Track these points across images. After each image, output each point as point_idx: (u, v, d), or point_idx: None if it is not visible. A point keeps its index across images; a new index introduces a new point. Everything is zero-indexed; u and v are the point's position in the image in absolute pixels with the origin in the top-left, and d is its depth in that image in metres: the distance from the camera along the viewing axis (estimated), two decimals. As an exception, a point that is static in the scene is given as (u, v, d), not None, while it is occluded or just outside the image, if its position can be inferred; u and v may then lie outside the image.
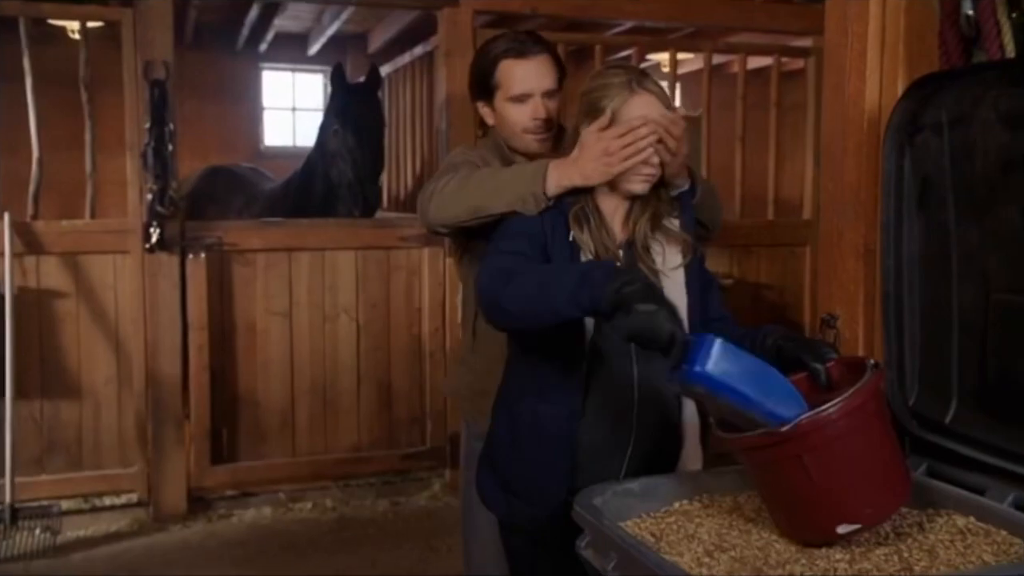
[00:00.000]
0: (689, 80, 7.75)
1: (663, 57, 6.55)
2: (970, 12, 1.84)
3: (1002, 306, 1.87)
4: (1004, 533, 1.72)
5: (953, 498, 1.84)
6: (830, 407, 1.64)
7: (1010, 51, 1.80)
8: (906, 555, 1.68)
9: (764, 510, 1.90)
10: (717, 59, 6.56)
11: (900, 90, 2.04)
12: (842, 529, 1.67)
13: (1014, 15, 1.76)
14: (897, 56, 2.09)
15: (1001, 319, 1.88)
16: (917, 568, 1.63)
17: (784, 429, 1.62)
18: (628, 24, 6.39)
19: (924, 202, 2.00)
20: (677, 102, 5.82)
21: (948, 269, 1.97)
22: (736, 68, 5.81)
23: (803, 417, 1.63)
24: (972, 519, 1.79)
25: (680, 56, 7.05)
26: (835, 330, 2.24)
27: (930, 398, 2.02)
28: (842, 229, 2.23)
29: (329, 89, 5.38)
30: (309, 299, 4.82)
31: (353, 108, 5.05)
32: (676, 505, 1.92)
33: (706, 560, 1.69)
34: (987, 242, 1.88)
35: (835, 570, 1.65)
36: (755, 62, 6.45)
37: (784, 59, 5.77)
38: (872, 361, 1.77)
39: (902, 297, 2.05)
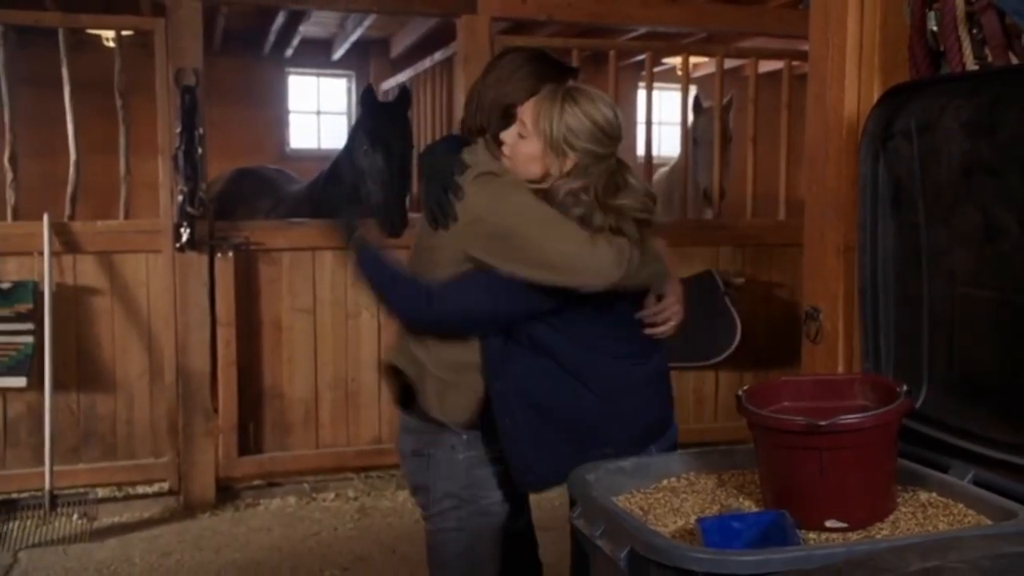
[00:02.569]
0: (706, 83, 7.88)
1: (677, 61, 6.69)
2: (935, 28, 1.99)
3: (967, 300, 2.02)
4: (961, 506, 1.87)
5: (918, 475, 1.99)
6: (864, 417, 1.82)
7: (971, 64, 1.95)
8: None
9: (746, 488, 2.06)
10: (733, 63, 6.70)
11: (876, 99, 2.19)
12: (830, 523, 1.82)
13: (974, 31, 1.90)
14: (873, 67, 2.24)
15: (966, 312, 2.03)
16: (879, 536, 1.79)
17: (822, 424, 1.77)
18: (642, 30, 6.53)
19: (897, 204, 2.15)
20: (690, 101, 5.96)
21: (919, 266, 2.12)
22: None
23: (840, 419, 1.79)
24: (934, 494, 1.94)
25: (697, 60, 7.19)
26: (817, 323, 2.40)
27: (904, 385, 2.17)
28: (824, 229, 2.38)
29: (356, 103, 5.39)
30: (332, 297, 4.98)
31: (384, 130, 5.07)
32: (664, 482, 2.09)
33: (688, 530, 1.85)
34: (953, 241, 2.03)
35: (806, 540, 1.81)
36: (769, 65, 6.58)
37: (795, 63, 5.89)
38: (905, 388, 1.90)
39: (878, 292, 2.20)
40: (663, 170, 6.73)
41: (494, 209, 2.20)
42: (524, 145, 2.21)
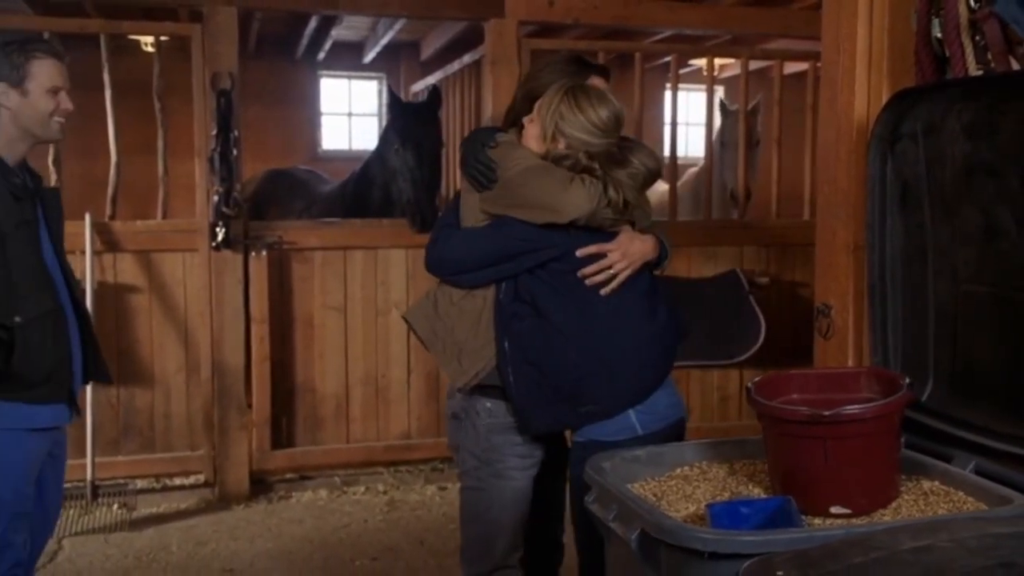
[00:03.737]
0: (732, 84, 7.93)
1: (703, 62, 6.75)
2: (939, 35, 2.06)
3: (969, 296, 2.10)
4: (961, 494, 1.95)
5: (922, 465, 2.07)
6: (866, 408, 1.90)
7: (973, 70, 2.02)
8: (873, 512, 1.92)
9: (756, 477, 2.15)
10: (758, 64, 6.75)
11: (884, 103, 2.26)
12: (835, 509, 1.91)
13: (977, 38, 1.98)
14: (882, 72, 2.32)
15: (968, 308, 2.10)
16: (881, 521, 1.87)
17: (826, 414, 1.86)
18: (667, 32, 6.59)
19: (904, 204, 2.23)
20: (717, 100, 6.03)
21: (925, 263, 2.20)
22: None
23: (843, 409, 1.88)
24: (937, 483, 2.02)
25: (722, 61, 7.24)
26: (829, 319, 2.47)
27: (910, 379, 2.24)
28: (835, 228, 2.46)
29: (386, 101, 5.51)
30: (363, 294, 5.10)
31: (414, 129, 5.18)
32: (677, 471, 2.19)
33: (699, 515, 1.94)
34: (956, 239, 2.11)
35: (811, 525, 1.89)
36: (794, 67, 6.62)
37: (820, 64, 5.92)
38: (908, 380, 1.99)
39: (886, 289, 2.28)
40: (692, 170, 6.80)
41: (502, 165, 2.54)
42: (531, 127, 2.58)
